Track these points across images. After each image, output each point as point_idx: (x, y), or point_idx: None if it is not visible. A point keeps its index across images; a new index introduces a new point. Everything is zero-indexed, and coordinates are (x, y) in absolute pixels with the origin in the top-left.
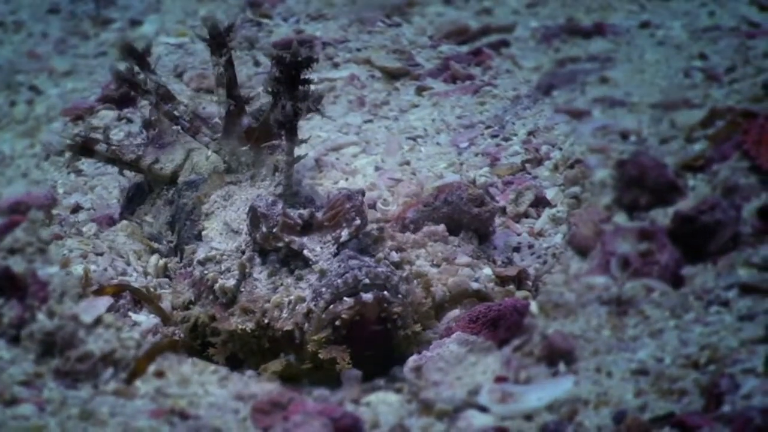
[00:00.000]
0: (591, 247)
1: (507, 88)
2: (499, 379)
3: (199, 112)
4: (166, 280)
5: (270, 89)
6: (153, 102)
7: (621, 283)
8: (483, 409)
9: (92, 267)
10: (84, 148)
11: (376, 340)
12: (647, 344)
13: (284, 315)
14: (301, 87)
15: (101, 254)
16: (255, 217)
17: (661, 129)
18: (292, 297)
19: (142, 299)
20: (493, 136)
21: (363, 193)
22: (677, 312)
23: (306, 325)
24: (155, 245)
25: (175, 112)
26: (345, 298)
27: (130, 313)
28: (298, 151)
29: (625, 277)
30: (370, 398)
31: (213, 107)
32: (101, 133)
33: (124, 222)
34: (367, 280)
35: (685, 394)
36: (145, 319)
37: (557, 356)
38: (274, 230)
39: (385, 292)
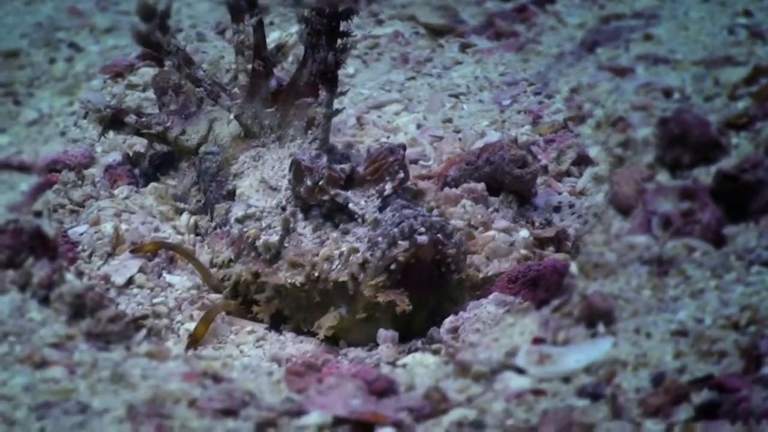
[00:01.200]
0: (632, 206)
1: (551, 45)
2: (537, 341)
3: (216, 78)
4: (198, 238)
5: (307, 41)
6: (176, 64)
7: (662, 242)
8: (520, 371)
9: (123, 226)
10: (113, 120)
11: (432, 283)
12: (687, 305)
13: (335, 267)
14: (340, 39)
15: (133, 213)
16: (299, 170)
17: (704, 86)
18: (343, 249)
19: (183, 255)
20: (536, 94)
21: (404, 147)
22: (718, 272)
23: (362, 275)
24: (182, 205)
25: (198, 75)
26: (400, 242)
27: (164, 274)
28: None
29: (667, 237)
30: (407, 360)
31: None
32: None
33: (153, 184)
34: (422, 229)
35: (724, 355)
36: (179, 280)
37: (596, 317)
38: (320, 183)
39: (439, 235)
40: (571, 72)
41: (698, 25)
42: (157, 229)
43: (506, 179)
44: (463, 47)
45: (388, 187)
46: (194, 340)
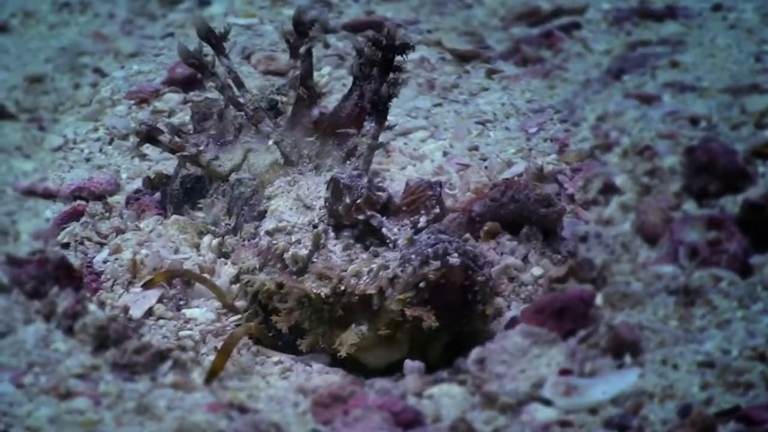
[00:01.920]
0: (659, 235)
1: (577, 71)
2: (564, 372)
3: (262, 104)
4: (221, 260)
5: (359, 70)
6: (219, 86)
7: (689, 272)
8: (547, 403)
9: (143, 251)
10: (149, 137)
11: (457, 308)
12: (714, 336)
13: (364, 281)
14: (393, 72)
15: (154, 241)
16: (337, 188)
17: (731, 115)
18: (372, 266)
19: (195, 279)
20: (563, 122)
21: (441, 185)
22: (745, 302)
23: (389, 290)
24: (212, 228)
25: (241, 99)
26: (432, 261)
27: (183, 307)
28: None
29: (693, 267)
30: (433, 390)
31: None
32: (167, 125)
33: (174, 217)
34: (455, 254)
35: (751, 387)
36: (199, 313)
37: (623, 348)
38: (358, 202)
39: (471, 262)
40: (598, 99)
41: (725, 52)
42: (177, 251)
43: (532, 218)
44: (490, 73)
45: (423, 220)
46: (213, 373)
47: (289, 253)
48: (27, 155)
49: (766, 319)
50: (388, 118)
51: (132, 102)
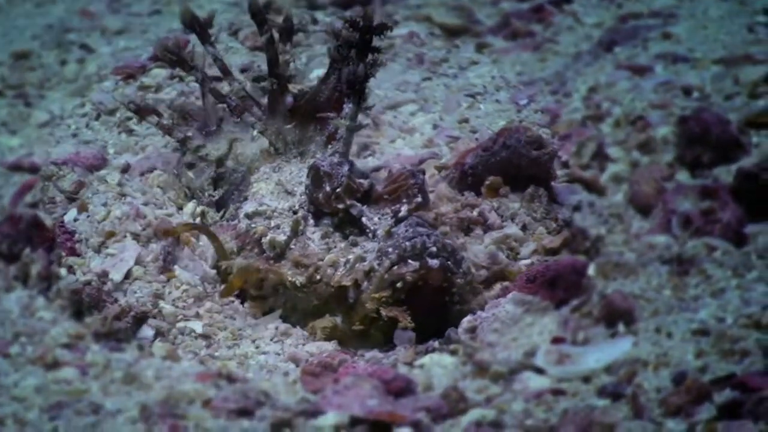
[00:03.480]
0: (652, 205)
1: (568, 44)
2: (557, 340)
3: (252, 92)
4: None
5: (337, 53)
6: (199, 79)
7: (682, 241)
8: (539, 371)
9: (122, 208)
10: (137, 114)
11: (434, 309)
12: (708, 304)
13: (340, 272)
14: (371, 53)
15: (125, 196)
16: (318, 175)
17: (724, 85)
18: (349, 257)
19: (212, 241)
20: (553, 93)
21: (424, 173)
22: (739, 271)
23: (365, 283)
24: (198, 194)
25: (223, 91)
26: (410, 261)
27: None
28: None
29: (687, 236)
30: (424, 360)
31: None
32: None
33: (157, 172)
34: (434, 249)
35: (746, 354)
36: (184, 274)
37: (616, 317)
38: (338, 190)
39: (450, 263)
40: (589, 71)
41: (717, 23)
42: (160, 208)
43: (523, 162)
44: (480, 47)
45: (404, 209)
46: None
47: (267, 238)
48: (13, 131)
49: (760, 288)
50: (373, 92)
51: (119, 77)
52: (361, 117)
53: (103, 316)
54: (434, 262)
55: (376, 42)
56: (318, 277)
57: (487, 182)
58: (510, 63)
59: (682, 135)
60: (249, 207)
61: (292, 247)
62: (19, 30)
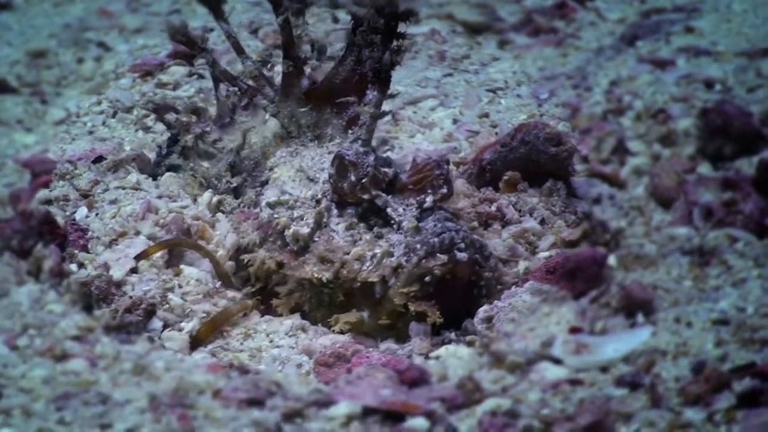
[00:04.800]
0: (673, 197)
1: (590, 40)
2: (574, 330)
3: (264, 71)
4: (221, 215)
5: (361, 38)
6: (209, 62)
7: (703, 233)
8: (556, 361)
9: (127, 209)
10: (155, 113)
11: (461, 303)
12: (729, 294)
13: (366, 267)
14: (396, 39)
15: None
16: (342, 164)
17: (746, 78)
18: (376, 251)
19: (191, 248)
20: (575, 87)
21: (449, 163)
22: (760, 261)
23: (393, 279)
24: (214, 182)
25: (234, 72)
26: (438, 255)
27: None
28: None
29: (708, 227)
30: (440, 352)
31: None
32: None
33: (168, 174)
34: (462, 245)
35: (766, 343)
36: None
37: (635, 307)
38: (364, 181)
39: (478, 256)
40: (611, 65)
41: (740, 17)
42: (174, 201)
43: (542, 158)
44: (501, 44)
45: (429, 200)
46: (196, 340)
47: (291, 230)
48: (29, 128)
49: None
50: (394, 87)
51: (136, 75)
52: (384, 105)
53: (114, 308)
54: (462, 256)
55: (401, 28)
56: (345, 272)
57: (505, 177)
58: (532, 59)
59: (704, 127)
60: (271, 195)
61: (316, 239)
62: (37, 29)
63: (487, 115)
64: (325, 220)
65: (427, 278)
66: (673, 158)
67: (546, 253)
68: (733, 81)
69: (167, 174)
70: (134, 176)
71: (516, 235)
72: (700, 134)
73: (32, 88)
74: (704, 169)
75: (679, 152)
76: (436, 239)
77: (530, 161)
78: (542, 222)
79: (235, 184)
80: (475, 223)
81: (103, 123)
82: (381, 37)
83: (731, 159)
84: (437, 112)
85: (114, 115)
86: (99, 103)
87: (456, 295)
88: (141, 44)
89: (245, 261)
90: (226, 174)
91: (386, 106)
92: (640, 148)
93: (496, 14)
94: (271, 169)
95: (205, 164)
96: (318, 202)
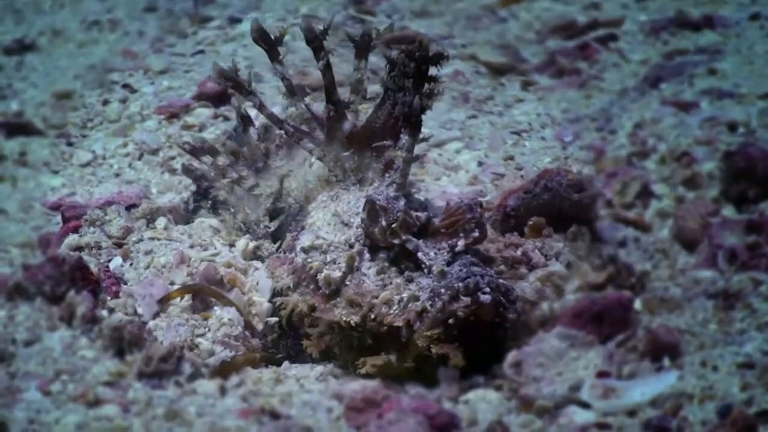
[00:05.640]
0: (698, 240)
1: (614, 81)
2: (602, 374)
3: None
4: (257, 262)
5: (393, 82)
6: (257, 105)
7: (728, 276)
8: (585, 405)
9: (161, 259)
10: (192, 155)
11: (487, 345)
12: (754, 337)
13: (393, 311)
14: (427, 83)
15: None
16: (373, 209)
17: None
18: (404, 295)
19: (211, 295)
20: (599, 130)
21: (481, 206)
22: None
23: (417, 324)
24: (253, 227)
25: (282, 116)
26: (462, 296)
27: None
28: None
29: (733, 271)
30: (469, 396)
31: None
32: (224, 145)
33: (199, 220)
34: (487, 289)
35: None
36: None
37: (662, 351)
38: (394, 226)
39: (502, 298)
40: (635, 107)
41: (763, 59)
42: (206, 250)
43: (565, 205)
44: (525, 85)
45: (461, 244)
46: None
47: (323, 274)
48: (55, 171)
49: None
50: (423, 129)
51: (162, 117)
52: (417, 148)
53: (148, 356)
54: (486, 298)
55: (433, 72)
56: (372, 316)
57: (530, 222)
58: (555, 100)
59: (728, 170)
60: (305, 240)
61: (348, 283)
62: (62, 70)
63: (512, 158)
64: (356, 264)
65: (450, 320)
66: (698, 201)
67: (572, 296)
68: (756, 123)
69: (199, 221)
70: (163, 222)
71: (542, 279)
72: (723, 177)
73: (58, 130)
74: (728, 211)
75: (704, 195)
76: (461, 284)
77: (553, 207)
78: (568, 266)
79: (273, 228)
80: (503, 267)
81: (130, 165)
82: (412, 80)
83: (755, 202)
84: (462, 154)
85: (140, 158)
86: (125, 145)
87: (480, 337)
88: (166, 86)
89: (278, 304)
90: (264, 219)
91: (417, 149)
92: (664, 191)
93: (520, 55)
94: (311, 213)
95: (246, 209)
96: (351, 246)
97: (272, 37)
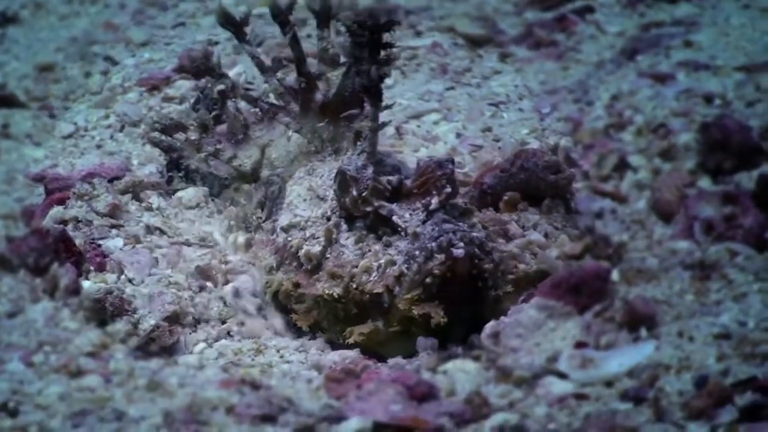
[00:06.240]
0: (674, 212)
1: (591, 53)
2: (580, 345)
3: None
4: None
5: (350, 55)
6: (229, 86)
7: (704, 247)
8: (562, 376)
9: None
10: (164, 133)
11: (467, 298)
12: (730, 308)
13: (373, 278)
14: (383, 51)
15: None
16: (344, 180)
17: (745, 92)
18: (381, 261)
19: None
20: (576, 102)
21: (453, 162)
22: (761, 275)
23: (397, 288)
24: (251, 219)
25: (254, 93)
26: (436, 255)
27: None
28: (382, 117)
29: (709, 242)
30: (447, 366)
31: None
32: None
33: (179, 194)
34: (461, 244)
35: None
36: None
37: (639, 321)
38: (364, 194)
39: (476, 250)
40: (612, 79)
41: (739, 31)
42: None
43: (541, 185)
44: (503, 57)
45: (434, 202)
46: None
47: (303, 250)
48: (37, 142)
49: None
50: (399, 103)
51: (143, 89)
52: (382, 115)
53: (135, 330)
54: (459, 252)
55: (387, 38)
56: (354, 285)
57: (505, 197)
58: (533, 72)
59: (704, 142)
60: (284, 220)
61: (328, 256)
62: (43, 42)
63: (490, 129)
64: (335, 236)
65: (428, 280)
66: (674, 172)
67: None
68: (732, 95)
69: (178, 195)
70: (156, 201)
71: (521, 247)
72: (700, 149)
73: (40, 103)
74: (704, 183)
75: (680, 167)
76: (433, 243)
77: (530, 186)
78: (546, 236)
79: (264, 218)
80: (476, 220)
81: (111, 137)
82: (368, 50)
83: (731, 173)
84: (440, 126)
85: (121, 129)
86: (107, 117)
87: (461, 291)
88: (147, 58)
89: (264, 283)
90: (256, 211)
91: (389, 119)
92: (641, 163)
93: (497, 27)
94: (287, 193)
95: (243, 200)
96: (328, 219)
97: (237, 18)
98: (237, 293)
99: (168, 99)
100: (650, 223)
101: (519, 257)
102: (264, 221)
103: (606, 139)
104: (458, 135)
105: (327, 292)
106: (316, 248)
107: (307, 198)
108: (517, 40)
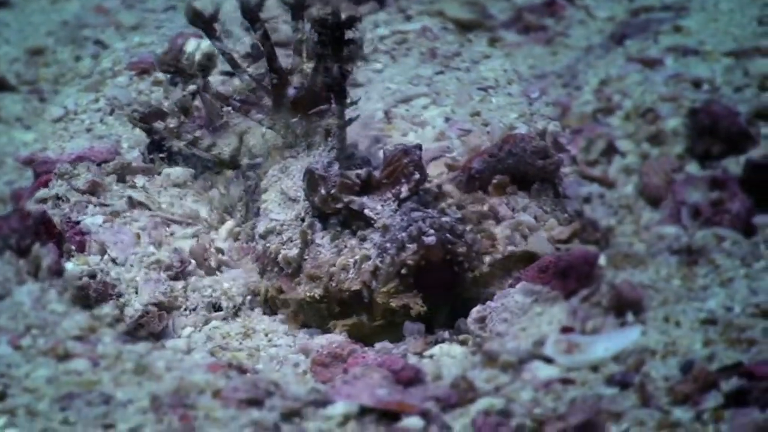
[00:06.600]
0: (662, 196)
1: (580, 38)
2: (566, 330)
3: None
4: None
5: (315, 52)
6: (201, 86)
7: (692, 232)
8: (548, 360)
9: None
10: (143, 122)
11: (445, 284)
12: (717, 293)
13: (351, 276)
14: (345, 48)
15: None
16: (312, 179)
17: (734, 77)
18: (357, 257)
19: None
20: (565, 86)
21: (420, 147)
22: (748, 261)
23: (374, 282)
24: (236, 209)
25: (228, 89)
26: (408, 245)
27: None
28: (348, 113)
29: (696, 227)
30: (434, 351)
31: None
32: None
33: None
34: (431, 231)
35: (754, 343)
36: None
37: (625, 306)
38: (333, 191)
39: (448, 235)
40: (600, 64)
41: (728, 16)
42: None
43: (529, 170)
44: (492, 41)
45: (404, 190)
46: None
47: (281, 255)
48: (27, 126)
49: None
50: (388, 87)
51: (133, 73)
52: (349, 111)
53: (121, 314)
54: (431, 239)
55: (350, 35)
56: (334, 284)
57: (494, 181)
58: (522, 57)
59: (692, 127)
60: (261, 226)
61: (306, 257)
62: (34, 26)
63: (478, 114)
64: (310, 237)
65: (403, 271)
66: (662, 157)
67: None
68: (720, 80)
69: (165, 173)
70: (141, 181)
71: (511, 228)
72: (688, 134)
73: (31, 86)
74: (692, 168)
75: (668, 152)
76: (404, 234)
77: (518, 171)
78: (535, 219)
79: (245, 213)
80: (453, 204)
81: (101, 120)
82: (331, 48)
83: (719, 158)
84: (429, 110)
85: (111, 113)
86: (96, 100)
87: (437, 278)
88: (137, 41)
89: (252, 290)
90: (241, 208)
91: (378, 104)
92: (629, 148)
93: (487, 11)
94: (265, 192)
95: (222, 189)
96: (302, 220)
97: (206, 15)
98: (231, 291)
99: (158, 82)
100: (638, 208)
101: (509, 237)
102: (245, 216)
103: (594, 123)
104: (447, 119)
105: (308, 294)
106: (294, 251)
107: (281, 202)
108: (507, 25)
